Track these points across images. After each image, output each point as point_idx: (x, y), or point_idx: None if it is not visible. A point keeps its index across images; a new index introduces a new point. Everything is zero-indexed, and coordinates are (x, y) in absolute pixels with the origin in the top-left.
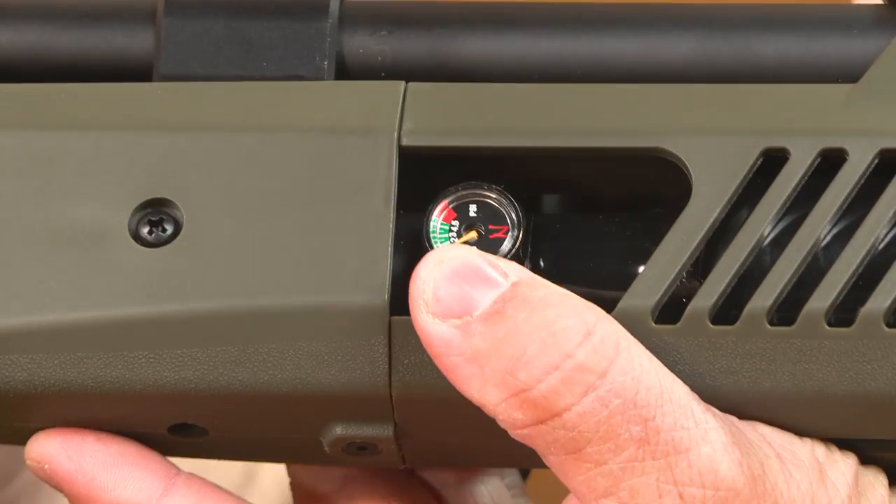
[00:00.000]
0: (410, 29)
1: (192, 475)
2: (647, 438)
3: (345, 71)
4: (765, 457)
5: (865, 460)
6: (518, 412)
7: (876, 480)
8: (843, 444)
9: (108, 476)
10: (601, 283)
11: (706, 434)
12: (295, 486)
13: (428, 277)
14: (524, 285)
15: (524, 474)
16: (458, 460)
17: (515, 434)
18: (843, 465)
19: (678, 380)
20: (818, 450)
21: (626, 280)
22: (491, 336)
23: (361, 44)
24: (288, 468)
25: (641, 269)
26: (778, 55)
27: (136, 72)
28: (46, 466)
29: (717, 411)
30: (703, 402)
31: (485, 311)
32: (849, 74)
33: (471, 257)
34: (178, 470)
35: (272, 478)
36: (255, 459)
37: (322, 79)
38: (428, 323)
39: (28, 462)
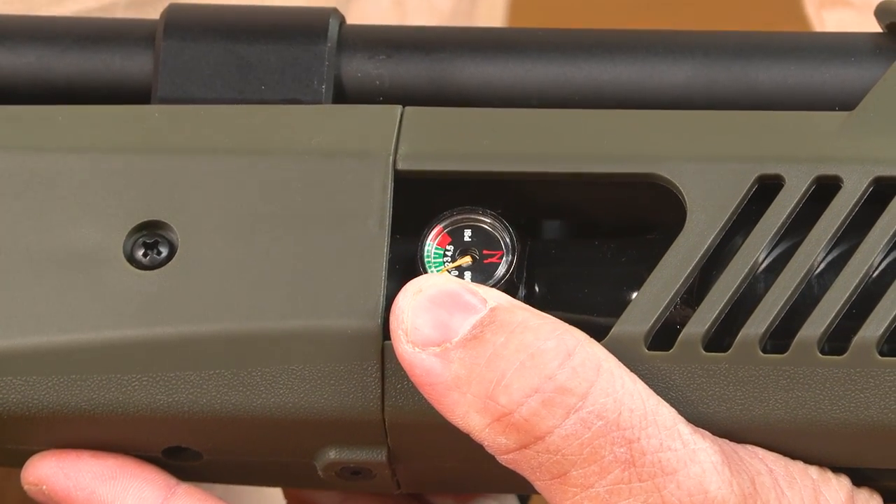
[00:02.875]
0: (409, 53)
1: (192, 486)
2: (632, 460)
3: (343, 95)
4: (756, 473)
5: (858, 482)
6: (502, 437)
7: (871, 499)
8: (836, 470)
9: (107, 489)
10: (596, 309)
11: (694, 455)
12: (292, 499)
13: (406, 307)
14: (502, 310)
15: (523, 500)
16: (452, 486)
17: (502, 459)
18: (837, 483)
19: (663, 402)
20: (811, 468)
21: (620, 306)
22: (470, 361)
23: (360, 68)
24: None
25: (636, 295)
26: (775, 83)
27: (134, 94)
28: (44, 487)
29: (706, 433)
30: (690, 425)
31: (463, 337)
32: (846, 102)
33: (448, 284)
34: (178, 481)
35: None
36: (249, 483)
37: (320, 102)
38: (408, 352)
39: (26, 487)
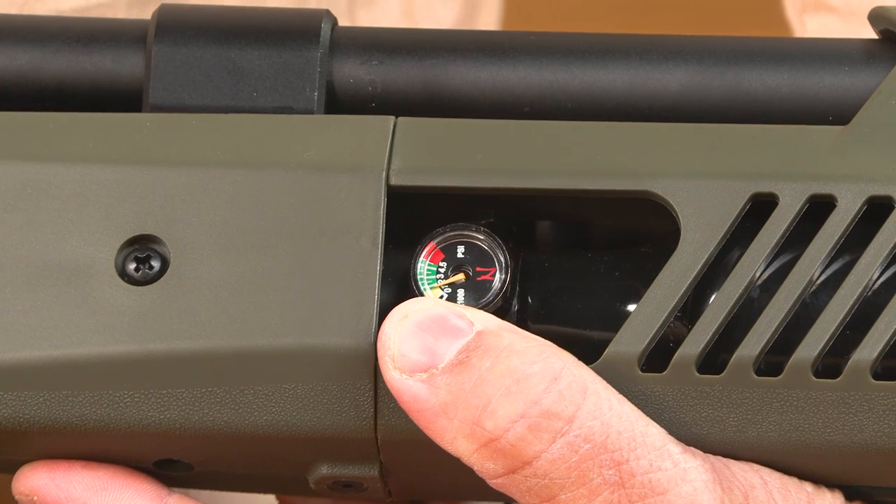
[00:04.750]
0: (401, 59)
1: (183, 496)
2: (621, 482)
3: (335, 101)
4: (750, 488)
5: (851, 496)
6: (490, 462)
7: None
8: (831, 486)
9: (98, 500)
10: (589, 323)
11: (685, 473)
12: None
13: (393, 333)
14: (489, 334)
15: None
16: (443, 495)
17: (492, 483)
18: (832, 497)
19: (652, 422)
20: (807, 482)
21: (614, 320)
22: (457, 387)
23: (352, 73)
24: None
25: (630, 307)
26: (768, 90)
27: (125, 97)
28: (35, 498)
29: (697, 451)
30: (681, 444)
31: (449, 362)
32: (841, 110)
33: (435, 309)
34: (169, 490)
35: None
36: (240, 490)
37: (312, 110)
38: (396, 379)
39: (17, 497)
